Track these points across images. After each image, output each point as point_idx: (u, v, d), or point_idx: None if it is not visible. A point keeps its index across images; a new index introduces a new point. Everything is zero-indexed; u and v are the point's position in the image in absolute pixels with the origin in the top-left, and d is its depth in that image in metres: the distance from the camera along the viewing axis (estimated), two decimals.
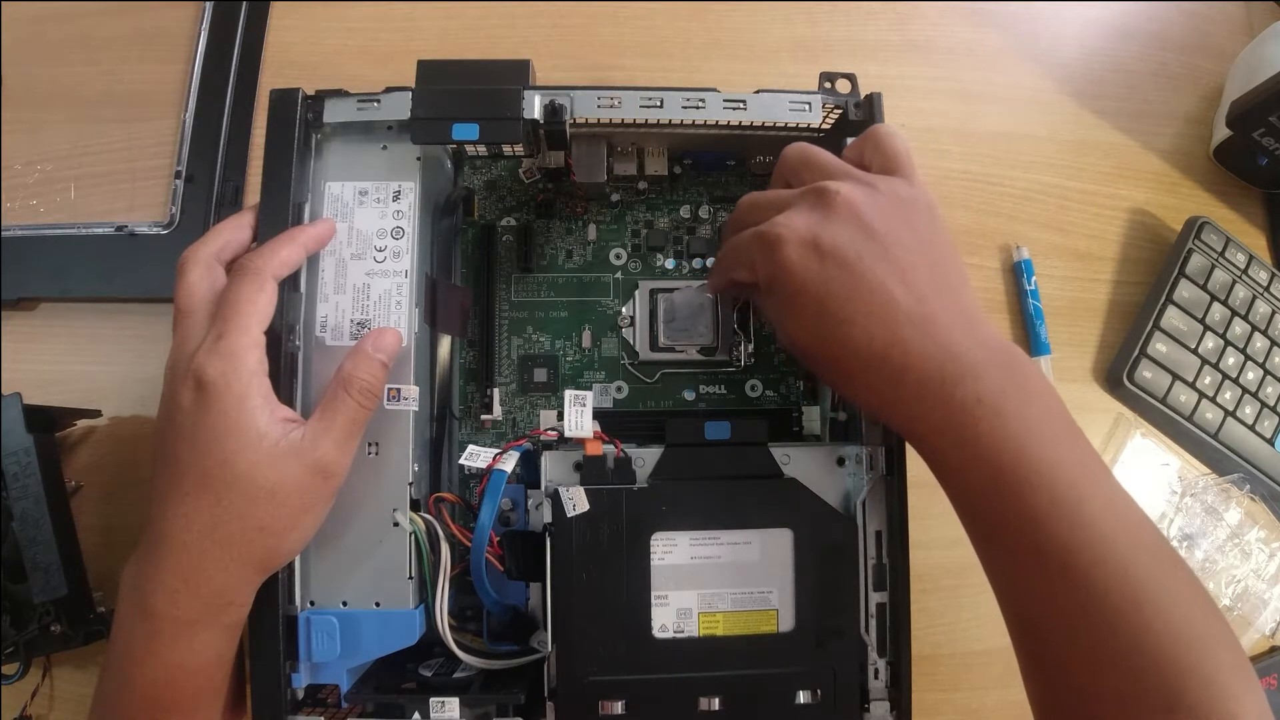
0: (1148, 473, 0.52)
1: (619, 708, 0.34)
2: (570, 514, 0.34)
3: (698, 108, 0.38)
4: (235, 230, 0.35)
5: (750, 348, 0.43)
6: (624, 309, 0.43)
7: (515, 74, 0.38)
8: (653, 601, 0.34)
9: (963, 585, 0.48)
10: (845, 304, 0.30)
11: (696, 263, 0.44)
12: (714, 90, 0.38)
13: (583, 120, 0.38)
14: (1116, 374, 0.51)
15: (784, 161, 0.36)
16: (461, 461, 0.36)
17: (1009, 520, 0.29)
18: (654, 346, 0.43)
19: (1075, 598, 0.28)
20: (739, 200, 0.36)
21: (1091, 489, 0.28)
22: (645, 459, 0.36)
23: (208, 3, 0.50)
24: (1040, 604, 0.29)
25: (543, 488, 0.35)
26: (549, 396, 0.43)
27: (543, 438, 0.37)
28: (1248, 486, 0.52)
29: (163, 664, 0.30)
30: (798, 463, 0.36)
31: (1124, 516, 0.29)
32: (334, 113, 0.37)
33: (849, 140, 0.38)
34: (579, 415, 0.36)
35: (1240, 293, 0.53)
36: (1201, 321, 0.53)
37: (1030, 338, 0.51)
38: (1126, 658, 0.27)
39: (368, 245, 0.36)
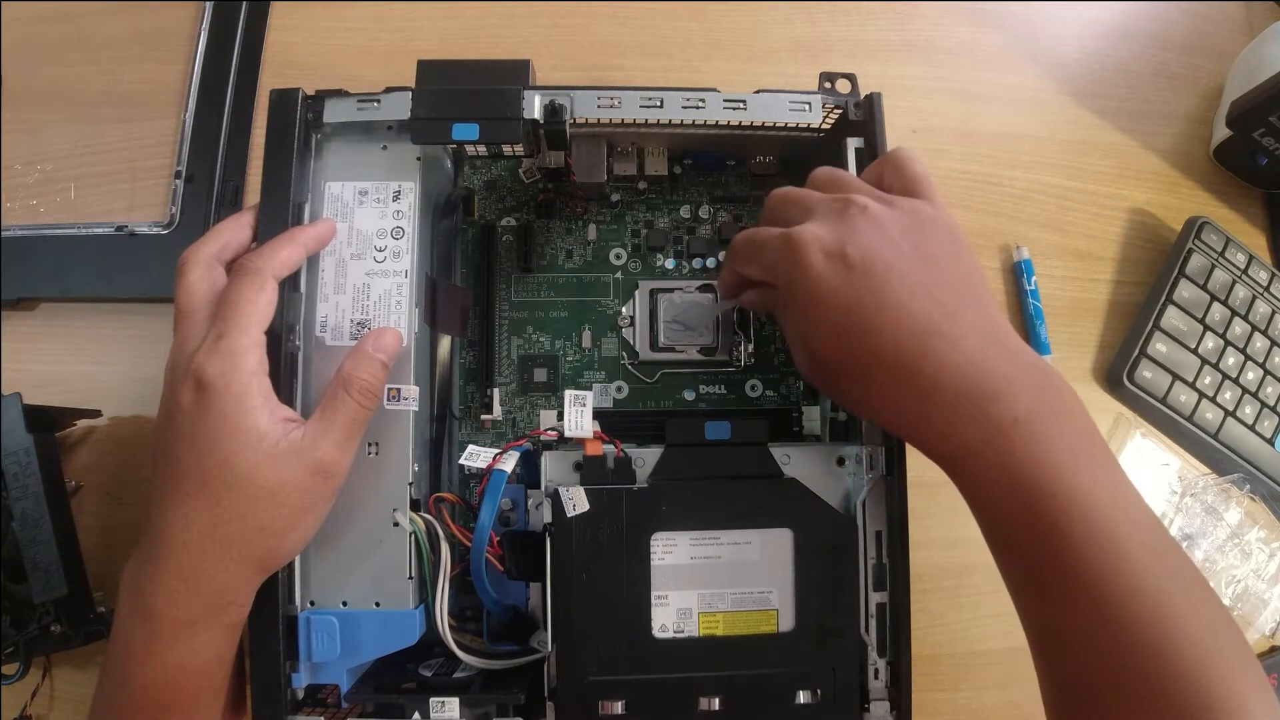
0: (1148, 473, 0.52)
1: (619, 708, 0.34)
2: (570, 514, 0.34)
3: (698, 108, 0.38)
4: (235, 230, 0.35)
5: (750, 348, 0.43)
6: (624, 309, 0.43)
7: (515, 74, 0.38)
8: (653, 601, 0.34)
9: (963, 585, 0.48)
10: (873, 315, 0.30)
11: (696, 263, 0.44)
12: (714, 90, 0.38)
13: (583, 120, 0.38)
14: (1116, 374, 0.51)
15: (811, 181, 0.36)
16: (461, 461, 0.36)
17: (1040, 545, 0.29)
18: (654, 346, 0.43)
19: (1106, 626, 0.28)
20: (771, 192, 0.36)
21: (1124, 515, 0.28)
22: (645, 459, 0.36)
23: (208, 3, 0.50)
24: (1069, 629, 0.29)
25: (543, 488, 0.35)
26: (549, 396, 0.43)
27: (543, 438, 0.37)
28: (1248, 486, 0.52)
29: (163, 664, 0.30)
30: (798, 463, 0.36)
31: (1155, 544, 0.28)
32: (334, 113, 0.37)
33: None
34: (579, 415, 0.36)
35: (1240, 293, 0.53)
36: (1201, 321, 0.53)
37: (1030, 338, 0.51)
38: (1156, 686, 0.27)
39: (368, 245, 0.36)
